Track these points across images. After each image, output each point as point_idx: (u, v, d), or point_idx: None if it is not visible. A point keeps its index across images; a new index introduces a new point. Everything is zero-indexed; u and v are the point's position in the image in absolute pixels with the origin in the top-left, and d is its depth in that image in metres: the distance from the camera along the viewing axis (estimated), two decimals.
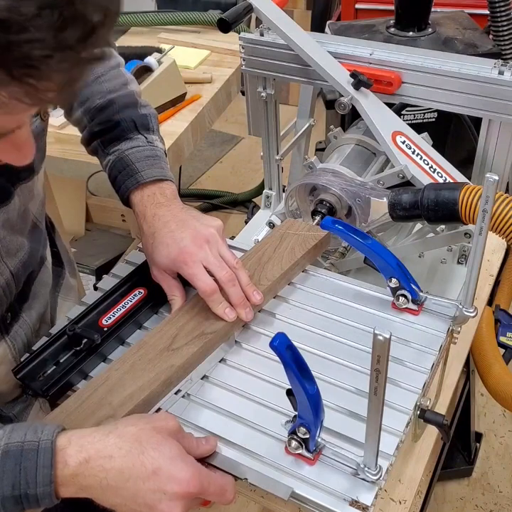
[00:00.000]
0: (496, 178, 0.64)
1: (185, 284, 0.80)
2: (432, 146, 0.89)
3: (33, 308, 0.83)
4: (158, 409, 0.72)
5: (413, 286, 0.77)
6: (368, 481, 0.63)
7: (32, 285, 0.84)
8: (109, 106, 0.88)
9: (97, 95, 0.88)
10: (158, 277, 0.81)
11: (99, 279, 0.88)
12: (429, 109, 1.25)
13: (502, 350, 1.07)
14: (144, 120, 0.88)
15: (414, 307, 0.78)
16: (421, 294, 0.78)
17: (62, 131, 1.44)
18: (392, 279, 0.76)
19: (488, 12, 1.22)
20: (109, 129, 0.87)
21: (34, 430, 0.58)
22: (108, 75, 0.90)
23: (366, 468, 0.63)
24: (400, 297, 0.78)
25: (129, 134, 0.87)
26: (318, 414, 0.62)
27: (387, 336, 0.50)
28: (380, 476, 0.63)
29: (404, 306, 0.78)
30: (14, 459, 0.56)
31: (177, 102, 1.59)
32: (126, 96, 0.89)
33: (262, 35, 0.96)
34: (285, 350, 0.56)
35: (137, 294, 0.83)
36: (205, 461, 0.66)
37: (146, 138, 0.87)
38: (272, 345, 0.56)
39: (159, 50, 1.63)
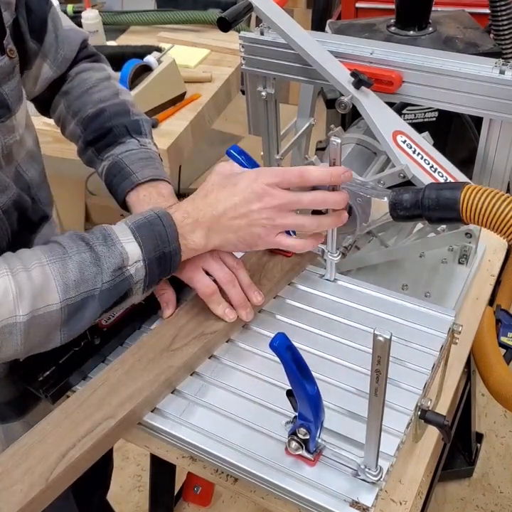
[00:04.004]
0: (339, 141, 0.71)
1: (185, 286, 0.80)
2: (433, 145, 0.89)
3: None
4: (155, 410, 0.72)
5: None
6: (368, 482, 0.63)
7: (34, 238, 0.84)
8: (100, 114, 0.88)
9: (89, 105, 0.89)
10: None
11: None
12: (430, 108, 1.25)
13: (503, 351, 1.07)
14: (135, 125, 0.89)
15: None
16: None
17: None
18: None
19: (489, 11, 1.21)
20: (101, 136, 0.87)
21: (146, 211, 0.74)
22: (99, 86, 0.90)
23: (367, 469, 0.63)
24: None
25: (121, 139, 0.87)
26: (318, 415, 0.62)
27: (388, 337, 0.50)
28: (381, 476, 0.63)
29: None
30: (146, 228, 0.71)
31: (177, 101, 1.59)
32: (117, 104, 0.89)
33: (262, 34, 0.96)
34: (285, 350, 0.56)
35: None
36: None
37: (138, 141, 0.87)
38: (271, 345, 0.56)
39: (159, 49, 1.62)
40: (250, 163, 0.81)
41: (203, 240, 0.74)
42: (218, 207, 0.73)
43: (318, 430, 0.64)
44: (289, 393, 0.62)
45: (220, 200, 0.73)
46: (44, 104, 0.94)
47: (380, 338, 0.50)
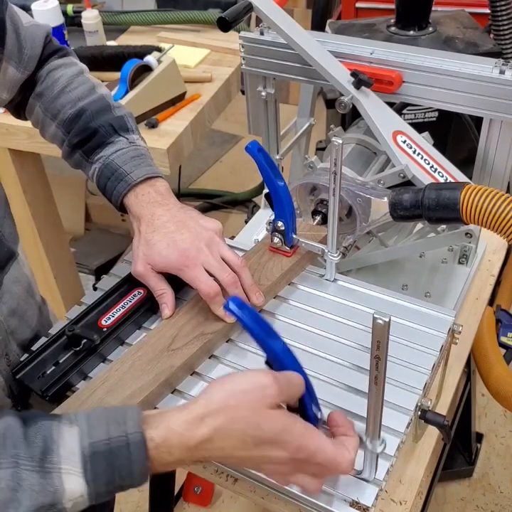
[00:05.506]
0: (340, 141, 0.69)
1: (184, 285, 0.80)
2: (433, 145, 0.89)
3: (4, 303, 0.80)
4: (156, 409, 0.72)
5: (292, 235, 0.85)
6: (368, 482, 0.63)
7: (3, 278, 0.80)
8: (81, 114, 0.85)
9: (67, 105, 0.86)
10: (143, 274, 0.79)
11: (98, 279, 0.88)
12: (430, 108, 1.25)
13: (503, 351, 1.07)
14: (121, 121, 0.86)
15: (287, 249, 0.85)
16: (294, 236, 0.85)
17: None
18: (280, 222, 0.83)
19: (489, 11, 1.22)
20: (88, 137, 0.85)
21: (116, 422, 0.55)
22: (73, 83, 0.87)
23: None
24: (275, 237, 0.85)
25: (109, 139, 0.85)
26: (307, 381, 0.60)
27: (387, 320, 0.50)
28: (384, 447, 0.62)
29: (277, 247, 0.86)
30: (104, 460, 0.54)
31: (177, 101, 1.58)
32: (97, 101, 0.87)
33: (262, 34, 0.96)
34: (241, 308, 0.54)
35: (137, 294, 0.83)
36: None
37: (127, 139, 0.85)
38: (226, 307, 0.54)
39: (159, 49, 1.62)
40: (269, 163, 0.79)
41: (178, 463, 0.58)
42: (220, 454, 0.58)
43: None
44: (267, 363, 0.59)
45: (225, 449, 0.57)
46: (17, 108, 0.91)
47: (380, 322, 0.50)
